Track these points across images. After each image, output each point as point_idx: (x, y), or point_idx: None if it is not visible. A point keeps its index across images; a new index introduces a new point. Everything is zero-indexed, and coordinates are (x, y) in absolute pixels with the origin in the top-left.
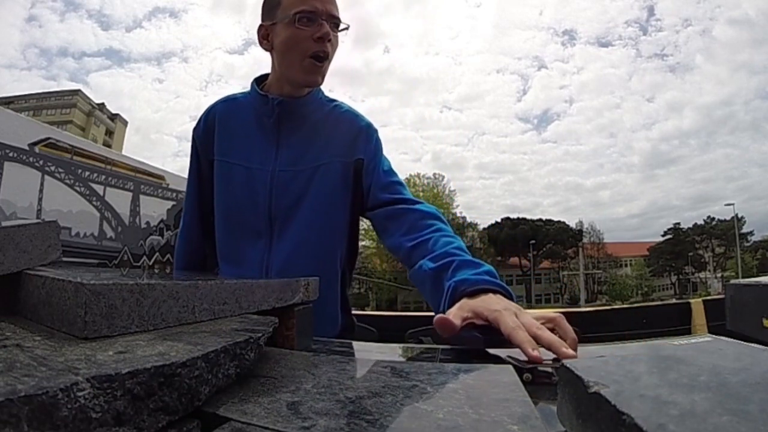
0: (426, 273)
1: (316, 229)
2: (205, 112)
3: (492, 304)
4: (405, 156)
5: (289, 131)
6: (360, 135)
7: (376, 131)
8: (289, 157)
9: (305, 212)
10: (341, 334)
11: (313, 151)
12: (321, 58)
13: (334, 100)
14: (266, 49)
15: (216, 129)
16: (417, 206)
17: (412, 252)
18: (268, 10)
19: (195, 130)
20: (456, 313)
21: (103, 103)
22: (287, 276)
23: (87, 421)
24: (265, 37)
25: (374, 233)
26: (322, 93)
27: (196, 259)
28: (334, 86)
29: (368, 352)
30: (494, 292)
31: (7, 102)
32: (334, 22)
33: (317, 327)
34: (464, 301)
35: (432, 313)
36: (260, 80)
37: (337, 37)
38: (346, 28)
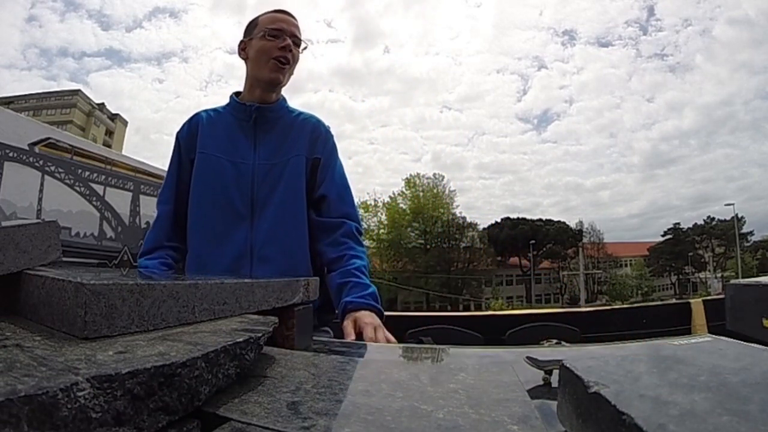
0: (335, 285)
1: (288, 211)
2: (189, 118)
3: (365, 318)
4: (405, 156)
5: (265, 131)
6: (320, 136)
7: (332, 136)
8: (266, 153)
9: (279, 197)
10: (318, 312)
11: (285, 147)
12: (283, 63)
13: (298, 109)
14: (243, 59)
15: (199, 131)
16: (346, 225)
17: (331, 264)
18: (248, 31)
19: (179, 132)
20: (348, 323)
21: (103, 103)
22: (268, 250)
23: (87, 421)
24: (243, 49)
25: (373, 233)
26: (287, 103)
27: (161, 245)
28: (334, 86)
29: (368, 352)
30: (370, 310)
31: (7, 102)
32: (295, 40)
33: None
34: (351, 315)
35: (433, 313)
36: (236, 95)
37: (298, 52)
38: (305, 47)
